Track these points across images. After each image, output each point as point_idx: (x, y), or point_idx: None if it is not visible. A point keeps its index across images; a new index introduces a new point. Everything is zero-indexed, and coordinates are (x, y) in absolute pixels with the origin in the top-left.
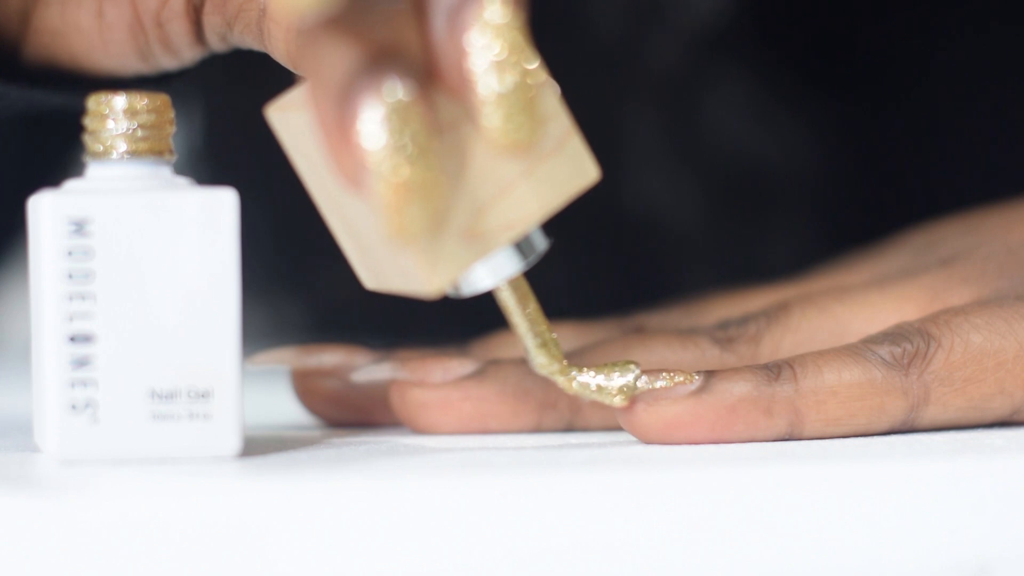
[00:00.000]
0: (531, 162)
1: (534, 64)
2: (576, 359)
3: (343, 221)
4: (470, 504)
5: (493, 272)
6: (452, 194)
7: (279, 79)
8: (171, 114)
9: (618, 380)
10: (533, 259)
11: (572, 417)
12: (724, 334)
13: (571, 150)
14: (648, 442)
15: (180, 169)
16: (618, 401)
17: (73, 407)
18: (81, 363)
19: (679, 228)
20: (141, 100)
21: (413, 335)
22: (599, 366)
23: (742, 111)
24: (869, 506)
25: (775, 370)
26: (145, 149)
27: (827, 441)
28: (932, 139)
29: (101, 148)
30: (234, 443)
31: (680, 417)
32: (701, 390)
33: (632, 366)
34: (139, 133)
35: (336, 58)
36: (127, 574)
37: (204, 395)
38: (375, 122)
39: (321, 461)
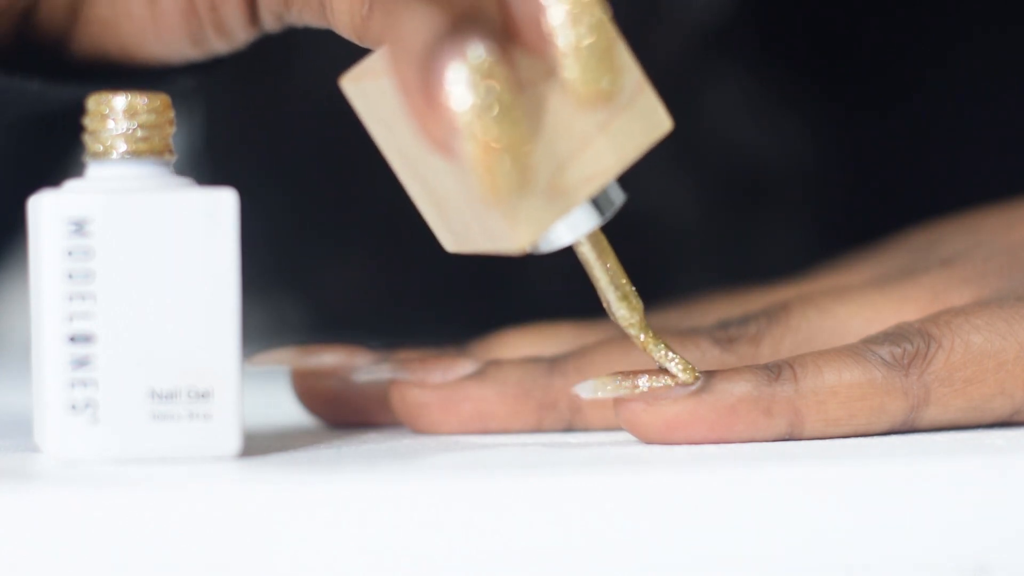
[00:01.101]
0: (608, 115)
1: (606, 15)
2: (576, 359)
3: (424, 186)
4: (470, 504)
5: (572, 228)
6: (535, 150)
7: (279, 79)
8: (171, 114)
9: (677, 359)
10: (611, 213)
11: (572, 417)
12: (724, 334)
13: (644, 102)
14: (648, 442)
15: (180, 169)
16: (685, 372)
17: (73, 407)
18: (81, 363)
19: (678, 227)
20: (141, 100)
21: (413, 335)
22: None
23: (741, 110)
24: (869, 506)
25: (775, 370)
26: (145, 149)
27: (827, 441)
28: (932, 138)
29: (101, 148)
30: (234, 443)
31: (680, 417)
32: (701, 390)
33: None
34: (139, 133)
35: (417, 23)
36: (127, 574)
37: (204, 395)
38: (461, 83)
39: (321, 461)
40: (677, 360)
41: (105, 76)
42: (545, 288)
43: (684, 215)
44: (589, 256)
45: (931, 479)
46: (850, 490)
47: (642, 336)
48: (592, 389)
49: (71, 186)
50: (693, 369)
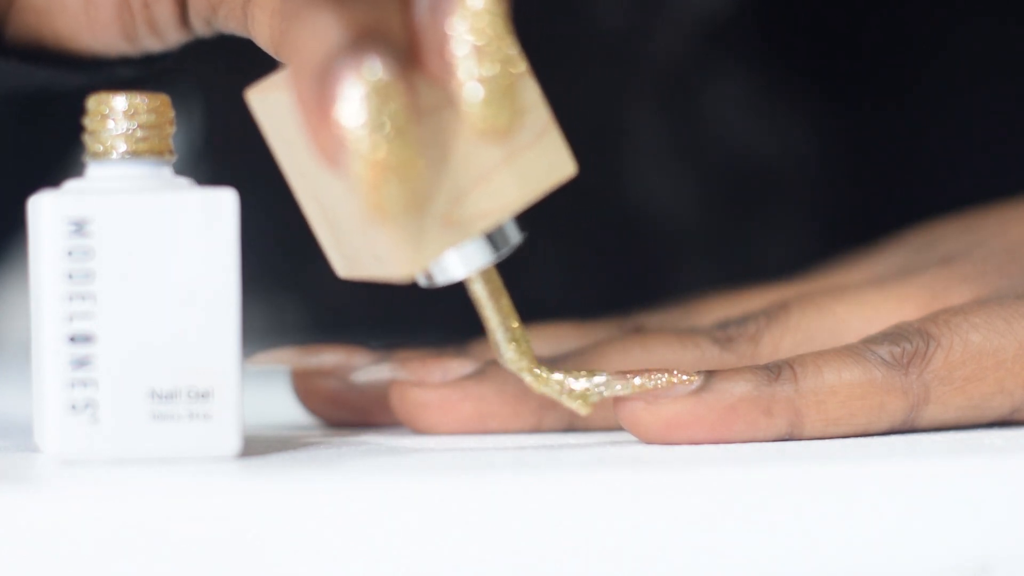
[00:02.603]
0: (510, 152)
1: (514, 52)
2: (575, 359)
3: (319, 206)
4: (470, 504)
5: (466, 262)
6: (430, 178)
7: None
8: (171, 114)
9: (582, 383)
10: (506, 251)
11: (572, 417)
12: (724, 334)
13: (549, 143)
14: (648, 442)
15: (180, 169)
16: (577, 406)
17: (73, 407)
18: (81, 363)
19: (678, 225)
20: (141, 100)
21: (413, 335)
22: (567, 369)
23: (742, 108)
24: (869, 506)
25: (775, 370)
26: (145, 149)
27: (827, 441)
28: (932, 138)
29: (101, 148)
30: (234, 443)
31: (680, 417)
32: (701, 390)
33: (601, 374)
34: (139, 133)
35: (318, 37)
36: (127, 574)
37: (204, 395)
38: (355, 100)
39: (321, 461)
40: (572, 392)
41: (42, 60)
42: (545, 288)
43: (684, 215)
44: (481, 294)
45: (931, 479)
46: (850, 490)
47: (531, 380)
48: (596, 388)
49: (71, 186)
50: (585, 400)
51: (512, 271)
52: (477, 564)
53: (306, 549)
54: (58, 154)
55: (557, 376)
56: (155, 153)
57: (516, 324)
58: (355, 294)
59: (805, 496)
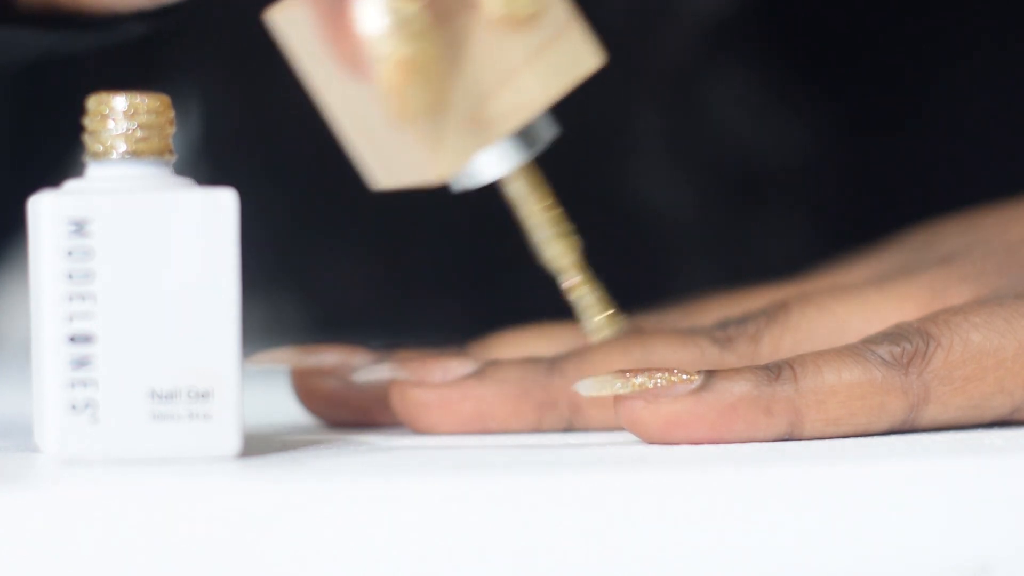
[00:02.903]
0: (533, 48)
1: None
2: (575, 359)
3: (349, 117)
4: (470, 504)
5: (500, 161)
6: (455, 79)
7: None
8: (171, 114)
9: (603, 311)
10: (540, 148)
11: (572, 416)
12: (724, 334)
13: (573, 36)
14: (648, 441)
15: (180, 169)
16: (596, 325)
17: (73, 407)
18: (81, 363)
19: (678, 225)
20: (141, 100)
21: (413, 335)
22: (599, 298)
23: (743, 108)
24: (869, 506)
25: (775, 370)
26: (145, 149)
27: (827, 441)
28: (932, 138)
29: (101, 148)
30: (234, 443)
31: (680, 415)
32: (701, 389)
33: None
34: (139, 133)
35: None
36: (127, 574)
37: (204, 395)
38: (374, 4)
39: (321, 461)
40: (592, 307)
41: (53, 24)
42: (545, 288)
43: (684, 215)
44: (519, 193)
45: (931, 479)
46: (850, 490)
47: (572, 279)
48: (592, 387)
49: (71, 186)
50: (600, 324)
51: (512, 271)
52: (477, 564)
53: (306, 549)
54: (58, 154)
55: (586, 290)
56: (155, 153)
57: (561, 223)
58: (355, 294)
59: (805, 496)
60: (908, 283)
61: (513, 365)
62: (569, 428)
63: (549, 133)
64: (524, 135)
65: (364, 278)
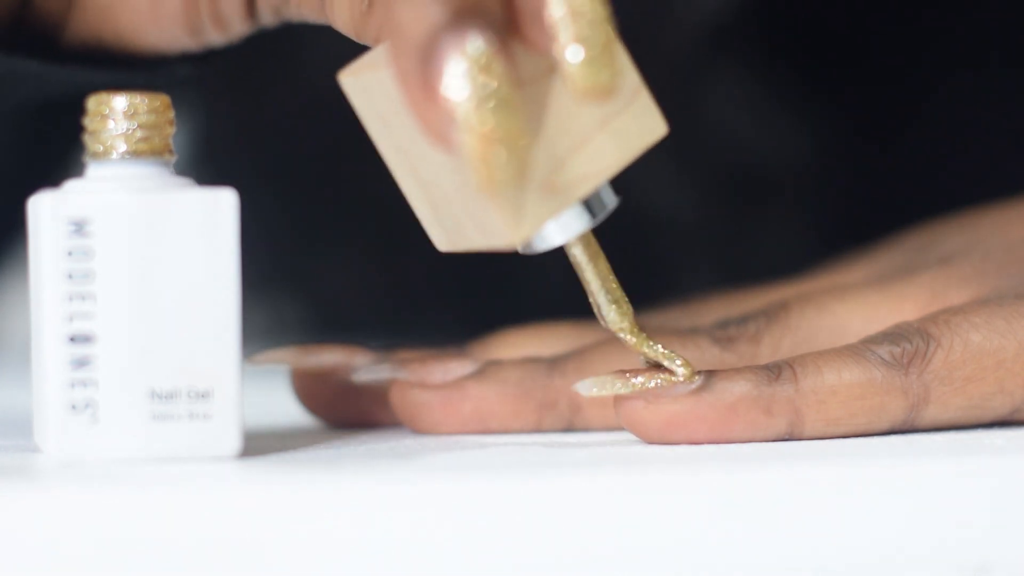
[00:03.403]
0: (606, 116)
1: (607, 11)
2: (576, 359)
3: (419, 182)
4: (470, 504)
5: (564, 228)
6: (534, 146)
7: (279, 78)
8: (171, 114)
9: (680, 355)
10: (603, 215)
11: (572, 416)
12: (724, 334)
13: (642, 104)
14: (648, 441)
15: (180, 169)
16: (682, 370)
17: (73, 407)
18: (81, 363)
19: (678, 225)
20: (141, 100)
21: (413, 335)
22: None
23: (742, 109)
24: (869, 506)
25: (775, 370)
26: (145, 149)
27: (827, 441)
28: (932, 138)
29: (101, 148)
30: (234, 443)
31: (680, 415)
32: (701, 389)
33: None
34: (139, 133)
35: (418, 15)
36: (127, 574)
37: (204, 395)
38: (460, 75)
39: (321, 461)
40: (677, 359)
41: (101, 63)
42: (545, 288)
43: (685, 214)
44: (581, 258)
45: (931, 479)
46: (850, 490)
47: (633, 339)
48: (592, 387)
49: (71, 186)
50: (692, 368)
51: (512, 271)
52: (477, 564)
53: (306, 549)
54: (58, 154)
55: (656, 345)
56: (155, 153)
57: (615, 284)
58: (355, 294)
59: (805, 496)
60: (908, 283)
61: (513, 365)
62: (569, 428)
63: (611, 201)
64: (587, 202)
65: (364, 278)
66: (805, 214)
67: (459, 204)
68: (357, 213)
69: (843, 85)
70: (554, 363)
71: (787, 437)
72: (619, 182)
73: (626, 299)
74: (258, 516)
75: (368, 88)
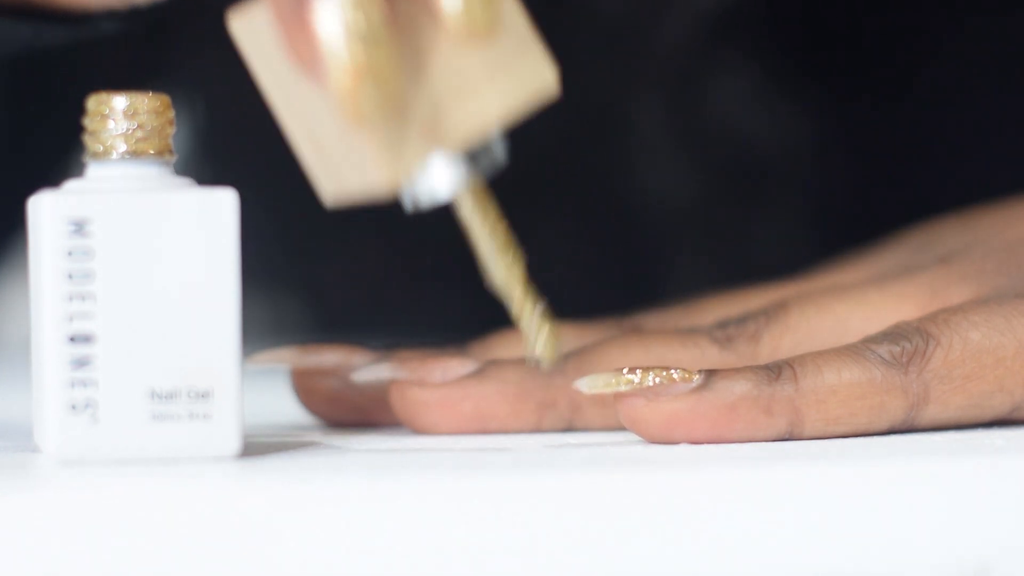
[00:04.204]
0: (490, 64)
1: None
2: (576, 359)
3: (302, 124)
4: (470, 504)
5: (451, 180)
6: (410, 89)
7: None
8: (171, 114)
9: (546, 332)
10: (492, 168)
11: (572, 416)
12: (723, 333)
13: (530, 55)
14: (648, 439)
15: (180, 169)
16: (539, 352)
17: (73, 407)
18: (81, 363)
19: (678, 223)
20: (141, 100)
21: (413, 335)
22: (545, 321)
23: (743, 103)
24: (869, 506)
25: (775, 370)
26: (145, 149)
27: (827, 441)
28: (933, 135)
29: (101, 148)
30: (234, 443)
31: (681, 414)
32: (702, 388)
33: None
34: (139, 133)
35: None
36: (127, 574)
37: (204, 395)
38: (332, 10)
39: (321, 461)
40: (540, 339)
41: (26, 18)
42: (547, 289)
43: (684, 213)
44: (469, 214)
45: (931, 479)
46: (850, 490)
47: (515, 307)
48: (593, 384)
49: (71, 186)
50: (554, 352)
51: None
52: (478, 564)
53: (306, 549)
54: (58, 154)
55: (535, 316)
56: (155, 153)
57: (510, 248)
58: (355, 294)
59: (805, 496)
60: (907, 283)
61: (513, 365)
62: (569, 428)
63: (501, 155)
64: (477, 156)
65: (364, 278)
66: (806, 213)
67: (339, 144)
68: (357, 213)
69: (844, 80)
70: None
71: (787, 436)
72: (618, 179)
73: (521, 265)
74: (258, 516)
75: (252, 29)
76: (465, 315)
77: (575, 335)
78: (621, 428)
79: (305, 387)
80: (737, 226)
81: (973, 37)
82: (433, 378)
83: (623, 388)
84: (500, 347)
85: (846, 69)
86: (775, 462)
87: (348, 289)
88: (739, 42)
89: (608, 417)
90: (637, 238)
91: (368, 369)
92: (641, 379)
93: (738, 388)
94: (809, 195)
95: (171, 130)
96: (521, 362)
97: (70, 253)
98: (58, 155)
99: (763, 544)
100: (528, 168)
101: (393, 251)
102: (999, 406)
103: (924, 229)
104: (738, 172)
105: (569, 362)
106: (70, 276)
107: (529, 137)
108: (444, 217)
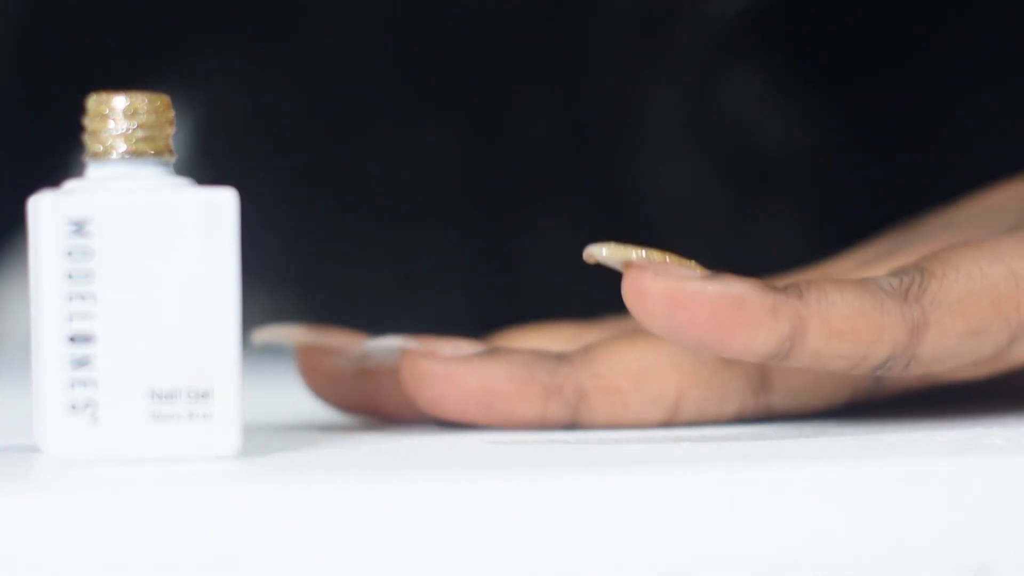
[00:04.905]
0: None
1: None
2: (581, 353)
3: None
4: (471, 504)
5: None
6: None
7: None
8: (171, 114)
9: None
10: None
11: (578, 403)
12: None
13: None
14: (649, 320)
15: (180, 169)
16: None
17: (73, 407)
18: (81, 363)
19: (678, 221)
20: (141, 100)
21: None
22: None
23: (749, 101)
24: (869, 506)
25: (779, 286)
26: (145, 149)
27: (826, 440)
28: (937, 133)
29: (101, 148)
30: (234, 443)
31: (686, 294)
32: (711, 277)
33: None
34: (139, 133)
35: None
36: (127, 574)
37: (204, 395)
38: None
39: (321, 461)
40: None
41: None
42: (546, 288)
43: (685, 212)
44: None
45: (931, 479)
46: (850, 490)
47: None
48: (604, 250)
49: (71, 186)
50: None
51: (518, 271)
52: (477, 564)
53: (306, 549)
54: (58, 154)
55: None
56: (155, 153)
57: None
58: (356, 294)
59: (805, 496)
60: (892, 261)
61: (521, 350)
62: (574, 417)
63: None
64: None
65: (366, 278)
66: (812, 209)
67: None
68: (358, 213)
69: (847, 78)
70: (561, 355)
71: (789, 345)
72: (619, 177)
73: None
74: (258, 516)
75: None
76: (465, 315)
77: (576, 335)
78: (624, 424)
79: (310, 365)
80: (745, 226)
81: (979, 35)
82: (443, 352)
83: (633, 256)
84: (507, 344)
85: (852, 67)
86: (775, 462)
87: (348, 289)
88: (746, 45)
89: (614, 406)
90: (638, 238)
91: (381, 340)
92: (655, 256)
93: (745, 286)
94: (817, 194)
95: (171, 130)
96: (529, 349)
97: (70, 253)
98: (58, 155)
99: (763, 544)
100: (536, 165)
101: (393, 251)
102: (997, 335)
103: (907, 223)
104: (746, 171)
105: (576, 354)
106: (70, 276)
107: (537, 134)
108: (445, 217)
